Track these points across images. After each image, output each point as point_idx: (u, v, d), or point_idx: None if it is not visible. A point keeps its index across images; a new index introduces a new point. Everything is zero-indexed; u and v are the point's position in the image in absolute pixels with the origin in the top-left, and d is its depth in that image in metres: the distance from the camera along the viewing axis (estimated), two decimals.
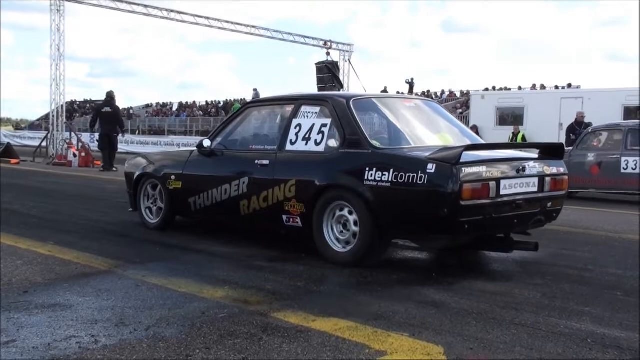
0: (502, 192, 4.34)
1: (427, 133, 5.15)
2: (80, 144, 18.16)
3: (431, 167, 4.18)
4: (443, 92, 32.69)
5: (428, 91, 32.92)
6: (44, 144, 20.59)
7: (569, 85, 25.39)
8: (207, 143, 5.63)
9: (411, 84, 33.54)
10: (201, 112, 37.06)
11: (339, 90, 23.86)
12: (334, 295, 3.82)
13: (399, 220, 4.47)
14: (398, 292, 3.90)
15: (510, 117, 18.69)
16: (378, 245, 4.57)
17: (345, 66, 25.86)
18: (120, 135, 16.01)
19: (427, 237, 4.66)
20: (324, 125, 4.92)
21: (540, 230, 5.66)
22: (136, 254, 4.95)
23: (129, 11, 22.44)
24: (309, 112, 5.09)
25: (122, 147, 24.13)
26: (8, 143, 21.42)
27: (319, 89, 22.73)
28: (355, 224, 4.56)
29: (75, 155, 17.25)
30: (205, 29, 24.75)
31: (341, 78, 23.73)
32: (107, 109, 15.50)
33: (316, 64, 22.48)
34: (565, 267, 4.88)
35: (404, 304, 3.60)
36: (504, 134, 17.84)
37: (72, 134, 19.95)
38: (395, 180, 4.31)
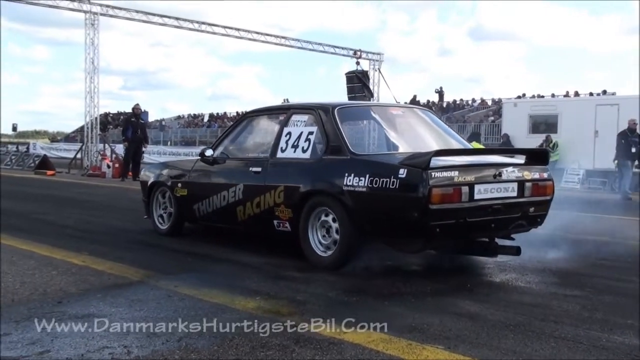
0: (477, 196, 4.42)
1: (411, 139, 5.28)
2: (113, 155, 18.43)
3: (402, 172, 4.31)
4: (474, 100, 32.39)
5: (461, 100, 32.65)
6: (78, 155, 20.95)
7: (604, 92, 24.94)
8: (209, 152, 5.87)
9: (441, 93, 33.40)
10: (232, 123, 37.32)
11: (370, 99, 23.86)
12: (367, 307, 3.76)
13: (375, 223, 4.59)
14: (432, 304, 3.83)
15: (544, 125, 18.37)
16: (359, 248, 4.68)
17: (375, 75, 25.78)
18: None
19: (401, 240, 4.68)
20: (311, 133, 5.11)
21: (578, 240, 5.53)
22: (168, 264, 4.96)
23: (160, 24, 22.76)
24: (299, 121, 5.29)
25: (154, 158, 24.42)
26: (44, 155, 21.87)
27: (349, 99, 22.71)
28: (337, 229, 4.69)
29: (109, 167, 17.52)
30: (237, 41, 24.97)
31: (371, 87, 23.67)
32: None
33: (346, 73, 22.46)
34: (606, 278, 4.75)
35: (439, 316, 3.53)
36: (537, 142, 17.56)
37: (106, 145, 20.26)
38: (370, 185, 4.45)
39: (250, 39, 24.80)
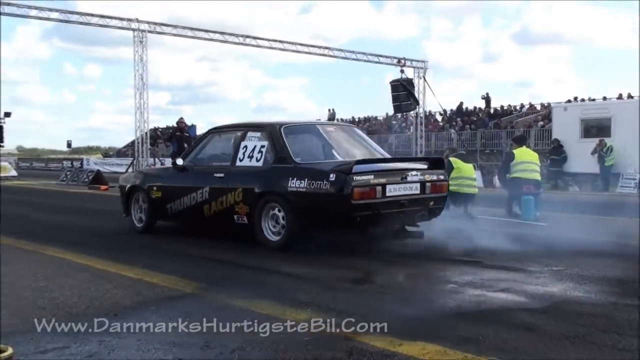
0: (388, 194, 5.77)
1: (341, 150, 6.50)
2: None
3: (332, 176, 5.65)
4: (522, 106, 31.75)
5: (509, 105, 32.06)
6: (130, 169, 21.43)
7: None
8: (180, 161, 7.16)
9: (487, 99, 32.84)
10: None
11: (415, 107, 23.68)
12: (421, 318, 3.70)
13: (312, 216, 5.86)
14: (487, 315, 3.75)
15: (595, 129, 17.87)
16: (300, 235, 5.95)
17: (420, 83, 25.60)
18: None
19: (333, 229, 5.99)
20: (262, 146, 6.39)
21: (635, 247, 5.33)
22: (219, 276, 5.00)
23: (206, 39, 23.16)
24: (253, 136, 6.57)
25: None
26: (98, 170, 22.43)
27: (395, 107, 22.60)
28: (284, 219, 5.95)
29: None
30: (281, 53, 25.15)
31: (416, 95, 23.49)
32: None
33: (391, 82, 22.37)
34: None
35: (494, 327, 3.45)
36: (590, 146, 17.11)
37: (156, 159, 20.67)
38: (308, 187, 5.78)
39: (294, 51, 25.00)
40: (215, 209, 6.57)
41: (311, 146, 6.67)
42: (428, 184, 6.10)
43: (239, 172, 6.49)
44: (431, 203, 6.20)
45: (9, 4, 19.15)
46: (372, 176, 5.67)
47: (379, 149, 7.05)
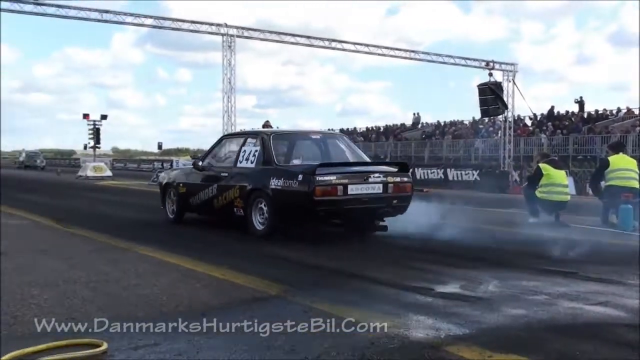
0: (350, 192, 6.70)
1: (322, 155, 7.74)
2: None
3: (300, 177, 6.74)
4: (619, 110, 30.17)
5: (604, 109, 30.59)
6: None
7: None
8: (199, 163, 8.51)
9: (581, 103, 31.48)
10: (362, 138, 37.49)
11: (504, 111, 23.02)
12: (512, 330, 3.54)
13: (286, 210, 6.95)
14: (584, 329, 3.55)
15: None
16: (280, 225, 7.15)
17: (509, 86, 24.85)
18: None
19: (302, 221, 7.24)
20: (256, 151, 7.64)
21: None
22: (302, 278, 5.02)
23: (293, 43, 23.46)
24: (250, 142, 7.84)
25: None
26: None
27: (482, 112, 22.08)
28: (267, 213, 7.12)
29: None
30: (367, 56, 25.11)
31: (505, 99, 22.83)
32: None
33: (478, 85, 21.86)
34: None
35: (592, 342, 3.27)
36: None
37: None
38: (283, 185, 6.92)
39: (379, 54, 24.88)
40: (221, 203, 7.81)
41: (295, 152, 7.90)
42: (390, 185, 6.96)
43: (238, 172, 7.74)
44: (394, 201, 7.06)
45: (107, 11, 20.13)
46: (335, 177, 6.63)
47: (361, 155, 8.23)
